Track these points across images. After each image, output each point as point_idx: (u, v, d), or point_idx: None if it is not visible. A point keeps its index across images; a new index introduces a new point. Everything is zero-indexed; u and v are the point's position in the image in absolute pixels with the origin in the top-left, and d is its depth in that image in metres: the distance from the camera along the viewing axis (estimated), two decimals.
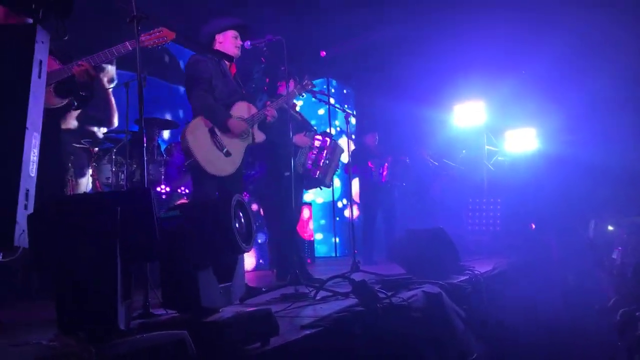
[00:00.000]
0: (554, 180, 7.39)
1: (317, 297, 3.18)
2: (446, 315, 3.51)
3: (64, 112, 2.85)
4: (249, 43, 3.74)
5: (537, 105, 7.79)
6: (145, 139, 2.89)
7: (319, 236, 8.30)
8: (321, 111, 8.36)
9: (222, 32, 3.75)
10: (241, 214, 2.09)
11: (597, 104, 7.57)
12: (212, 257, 2.02)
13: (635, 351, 3.62)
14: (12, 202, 1.56)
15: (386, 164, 6.61)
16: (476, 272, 4.48)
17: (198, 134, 3.50)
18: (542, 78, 7.64)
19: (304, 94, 4.31)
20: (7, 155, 1.59)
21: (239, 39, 3.75)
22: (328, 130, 4.78)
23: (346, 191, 8.37)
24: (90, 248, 1.57)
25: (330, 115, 7.12)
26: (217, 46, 3.66)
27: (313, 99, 5.71)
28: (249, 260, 5.83)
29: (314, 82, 4.53)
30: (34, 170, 1.64)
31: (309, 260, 6.62)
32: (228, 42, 3.74)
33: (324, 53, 8.49)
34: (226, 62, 3.70)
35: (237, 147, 3.62)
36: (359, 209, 7.61)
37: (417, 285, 3.53)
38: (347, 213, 8.36)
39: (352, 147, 7.96)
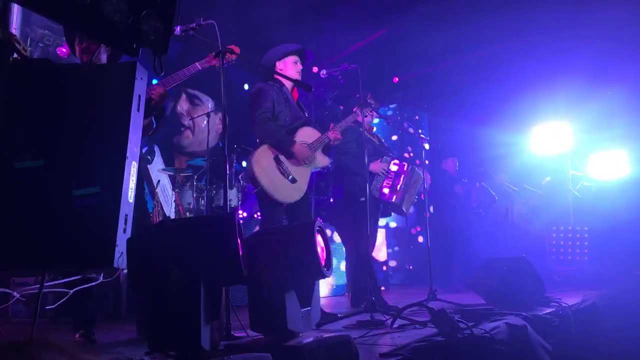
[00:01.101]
0: None
1: (395, 325, 3.13)
2: (532, 350, 3.33)
3: (144, 133, 3.02)
4: (324, 72, 3.81)
5: (629, 127, 7.31)
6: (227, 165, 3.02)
7: (392, 263, 8.18)
8: (394, 137, 8.34)
9: (282, 59, 3.77)
10: (321, 240, 2.12)
11: None
12: (296, 282, 2.06)
13: None
14: (113, 226, 1.67)
15: (474, 190, 6.50)
16: (563, 304, 4.23)
17: (263, 162, 3.57)
18: (634, 97, 7.20)
19: (371, 113, 4.30)
20: (109, 182, 1.72)
21: (299, 63, 3.77)
22: (405, 155, 4.77)
23: (419, 218, 8.22)
24: (179, 272, 1.66)
25: (403, 141, 7.08)
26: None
27: (386, 123, 5.73)
28: (324, 285, 5.84)
29: (389, 107, 4.56)
30: (132, 196, 1.76)
31: (382, 288, 6.53)
32: (288, 67, 3.77)
33: (397, 79, 8.52)
34: (288, 87, 3.74)
35: (302, 174, 3.64)
36: (437, 233, 7.44)
37: (500, 317, 3.38)
38: (420, 239, 8.19)
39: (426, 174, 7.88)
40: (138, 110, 1.81)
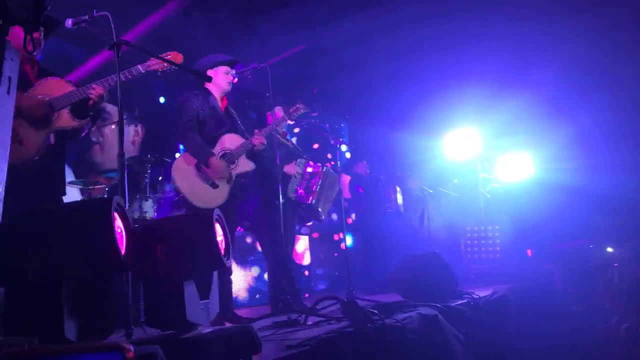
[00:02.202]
0: (551, 207, 7.34)
1: (309, 322, 3.10)
2: (444, 338, 3.41)
3: (77, 133, 2.86)
4: (234, 72, 3.79)
5: (533, 132, 7.81)
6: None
7: (319, 271, 8.17)
8: (316, 145, 8.40)
9: (213, 68, 3.79)
10: (220, 229, 2.06)
11: (592, 131, 7.61)
12: (195, 272, 1.98)
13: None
14: None
15: (395, 194, 6.65)
16: (475, 296, 4.39)
17: (184, 170, 3.59)
18: (536, 104, 7.70)
19: (293, 119, 4.34)
20: None
21: (230, 74, 3.81)
22: (327, 165, 4.80)
23: (341, 224, 8.30)
24: (38, 261, 1.53)
25: (324, 149, 7.14)
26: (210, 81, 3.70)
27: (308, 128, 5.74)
28: (243, 294, 5.72)
29: (311, 116, 4.59)
30: (1, 188, 1.61)
31: (306, 295, 6.50)
32: (220, 77, 3.79)
33: (316, 90, 8.64)
34: (216, 96, 3.75)
35: (224, 178, 3.62)
36: (359, 238, 7.53)
37: (413, 309, 3.44)
38: (343, 245, 8.27)
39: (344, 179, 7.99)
40: (8, 92, 1.68)
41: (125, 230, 1.63)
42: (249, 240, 5.88)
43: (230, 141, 3.73)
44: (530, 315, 5.34)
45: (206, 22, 6.34)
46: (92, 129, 7.01)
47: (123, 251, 1.57)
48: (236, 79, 3.87)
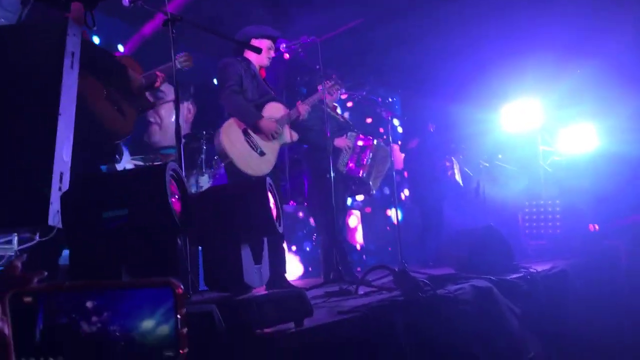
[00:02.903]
0: (616, 180, 6.98)
1: (360, 292, 3.13)
2: (498, 311, 3.36)
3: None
4: (284, 45, 3.79)
5: (597, 102, 7.41)
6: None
7: (371, 246, 8.19)
8: (369, 119, 8.35)
9: (258, 39, 3.76)
10: (272, 198, 2.10)
11: None
12: (249, 237, 2.04)
13: None
14: (47, 184, 1.63)
15: (451, 165, 6.55)
16: (532, 270, 4.28)
17: (232, 135, 3.56)
18: (602, 73, 7.29)
19: (338, 91, 4.31)
20: (41, 139, 1.68)
21: (272, 50, 3.77)
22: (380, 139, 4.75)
23: (393, 199, 8.27)
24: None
25: (377, 124, 7.06)
26: (250, 51, 3.68)
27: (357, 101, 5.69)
28: (297, 267, 5.82)
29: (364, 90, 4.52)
30: (67, 154, 1.72)
31: (359, 269, 6.55)
32: (262, 48, 3.73)
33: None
34: (255, 65, 3.73)
35: (271, 147, 3.65)
36: (413, 212, 7.45)
37: (465, 281, 3.40)
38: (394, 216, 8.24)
39: (397, 153, 7.90)
40: (72, 67, 1.77)
41: (181, 196, 1.69)
42: (301, 214, 5.96)
43: (275, 109, 3.71)
44: (591, 292, 5.15)
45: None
46: (150, 109, 7.31)
47: (178, 214, 1.64)
48: (287, 55, 3.87)
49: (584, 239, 6.64)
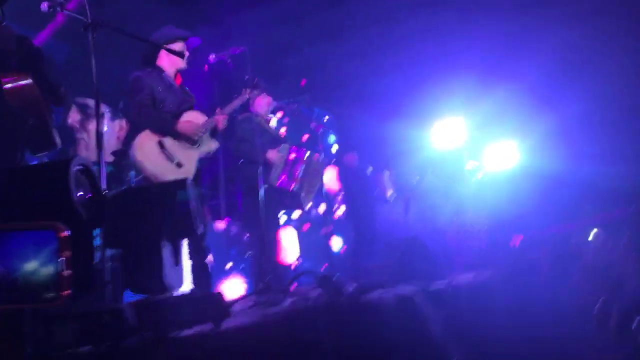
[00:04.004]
0: (536, 195, 7.41)
1: (287, 301, 3.16)
2: (420, 317, 3.47)
3: None
4: (213, 56, 3.82)
5: (518, 121, 7.88)
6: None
7: (307, 264, 8.21)
8: (305, 136, 8.45)
9: (169, 44, 3.68)
10: (193, 197, 2.12)
11: (575, 120, 7.68)
12: (170, 237, 2.03)
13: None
14: None
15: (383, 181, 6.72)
16: (455, 279, 4.45)
17: (146, 148, 3.52)
18: (522, 93, 7.77)
19: (264, 98, 4.37)
20: None
21: (186, 50, 3.73)
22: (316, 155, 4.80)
23: (328, 217, 8.36)
24: None
25: (315, 140, 7.18)
26: (165, 58, 3.64)
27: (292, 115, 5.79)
28: (232, 285, 5.74)
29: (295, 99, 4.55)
30: None
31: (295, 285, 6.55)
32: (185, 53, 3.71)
33: (304, 81, 8.68)
34: (169, 73, 3.68)
35: (188, 157, 3.60)
36: (349, 231, 7.57)
37: (390, 287, 3.50)
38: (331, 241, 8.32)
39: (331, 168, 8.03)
40: None
41: (93, 192, 1.67)
42: (234, 231, 5.93)
43: (193, 118, 3.67)
44: (513, 300, 5.39)
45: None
46: (77, 126, 7.12)
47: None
48: (214, 61, 3.85)
49: (507, 251, 6.97)
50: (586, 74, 7.47)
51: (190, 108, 3.69)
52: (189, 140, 3.56)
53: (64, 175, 1.49)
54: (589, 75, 7.48)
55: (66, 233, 0.75)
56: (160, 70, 3.65)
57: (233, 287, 5.70)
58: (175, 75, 3.73)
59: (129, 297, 2.89)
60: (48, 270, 0.76)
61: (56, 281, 0.76)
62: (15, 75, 2.17)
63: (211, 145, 3.71)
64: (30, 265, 0.76)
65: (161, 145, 3.51)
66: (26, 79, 2.16)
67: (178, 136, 3.50)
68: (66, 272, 0.76)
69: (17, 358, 1.16)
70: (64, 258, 0.76)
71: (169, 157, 3.50)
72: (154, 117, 3.52)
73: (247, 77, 3.86)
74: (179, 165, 3.52)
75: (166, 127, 3.50)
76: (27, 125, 2.13)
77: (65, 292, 0.77)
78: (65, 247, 0.76)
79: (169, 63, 3.65)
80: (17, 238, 0.75)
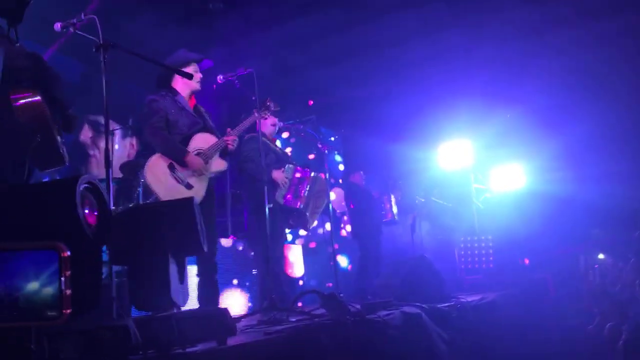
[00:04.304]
0: (542, 217, 7.40)
1: (292, 320, 3.14)
2: (427, 336, 3.45)
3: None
4: (221, 77, 3.87)
5: (524, 144, 7.92)
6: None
7: (313, 282, 8.20)
8: (311, 156, 8.50)
9: (183, 67, 3.72)
10: (200, 218, 2.14)
11: (580, 142, 7.71)
12: (176, 255, 2.05)
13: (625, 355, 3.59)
14: None
15: (389, 202, 6.72)
16: (462, 300, 4.43)
17: (157, 171, 3.55)
18: (527, 117, 7.82)
19: (273, 118, 4.41)
20: None
21: (199, 72, 3.80)
22: (322, 175, 4.81)
23: (335, 235, 8.36)
24: None
25: (320, 160, 7.20)
26: (179, 80, 3.69)
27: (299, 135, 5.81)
28: (238, 302, 5.73)
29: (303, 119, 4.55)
30: None
31: (299, 304, 6.52)
32: (193, 75, 3.74)
33: (312, 102, 8.77)
34: (184, 95, 3.76)
35: (198, 178, 3.63)
36: (354, 250, 7.55)
37: (396, 307, 3.49)
38: (338, 258, 8.30)
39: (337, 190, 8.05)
40: None
41: (99, 210, 1.70)
42: (240, 248, 5.92)
43: (203, 140, 3.71)
44: (520, 320, 5.36)
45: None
46: (89, 142, 7.20)
47: (93, 228, 1.64)
48: (222, 82, 3.91)
49: (515, 272, 6.94)
50: (592, 98, 7.52)
51: (203, 129, 3.75)
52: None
53: (70, 193, 1.51)
54: (595, 99, 7.53)
55: (67, 253, 0.77)
56: (175, 93, 3.74)
57: (238, 304, 5.70)
58: (190, 96, 3.81)
59: (135, 313, 2.90)
60: (49, 289, 0.78)
61: (57, 300, 0.78)
62: (25, 92, 2.22)
63: (221, 165, 3.75)
64: (32, 285, 0.78)
65: (172, 167, 3.59)
66: (35, 96, 2.21)
67: (185, 165, 3.56)
68: (67, 292, 0.78)
69: None
70: (64, 278, 0.78)
71: (179, 179, 3.58)
72: (166, 142, 3.61)
73: (254, 97, 3.90)
74: (189, 186, 3.58)
75: (176, 155, 3.58)
76: (35, 142, 2.16)
77: (67, 310, 0.79)
78: (66, 266, 0.78)
79: (183, 85, 3.74)
80: (18, 257, 0.77)
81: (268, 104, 4.12)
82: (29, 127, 2.13)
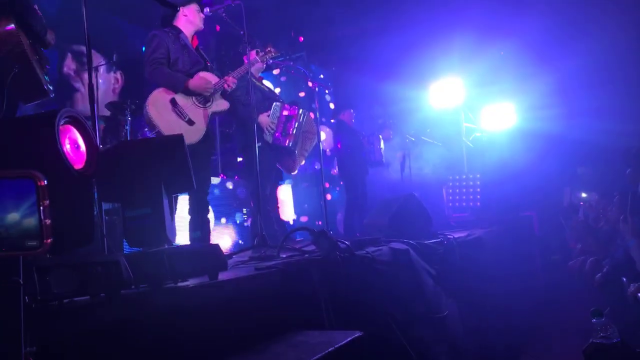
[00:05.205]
0: (532, 155, 7.44)
1: (283, 255, 3.19)
2: (414, 271, 3.53)
3: None
4: (207, 10, 3.75)
5: (516, 81, 7.84)
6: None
7: (304, 219, 8.30)
8: (302, 93, 8.39)
9: (186, 5, 3.74)
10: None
11: (572, 79, 7.65)
12: (169, 192, 2.03)
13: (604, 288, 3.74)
14: None
15: (378, 143, 6.70)
16: (449, 236, 4.50)
17: (159, 105, 3.53)
18: (520, 53, 7.70)
19: (268, 61, 4.32)
20: None
21: (201, 12, 3.77)
22: (311, 115, 4.75)
23: (325, 174, 8.39)
24: None
25: (310, 97, 7.08)
26: (182, 19, 3.68)
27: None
28: (227, 240, 5.81)
29: (292, 56, 4.46)
30: None
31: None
32: (193, 14, 3.74)
33: (302, 38, 8.54)
34: (186, 34, 3.70)
35: (199, 115, 3.62)
36: (344, 186, 7.61)
37: (385, 243, 3.55)
38: (329, 196, 8.36)
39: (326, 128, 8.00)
40: None
41: (87, 145, 1.66)
42: (230, 186, 5.93)
43: (207, 78, 3.69)
44: (504, 257, 5.50)
45: None
46: (72, 74, 6.98)
47: (83, 164, 1.61)
48: (218, 26, 3.81)
49: (501, 209, 7.05)
50: (585, 33, 7.37)
51: (204, 69, 3.70)
52: (201, 98, 3.58)
53: (50, 126, 1.46)
54: (588, 34, 7.39)
55: (44, 182, 0.74)
56: (178, 31, 3.67)
57: (228, 242, 5.78)
58: (192, 36, 3.75)
59: (125, 250, 2.92)
60: (31, 220, 0.77)
61: (39, 230, 0.77)
62: None
63: (223, 105, 3.72)
64: (12, 216, 0.77)
65: (174, 102, 3.55)
66: (8, 25, 2.10)
67: (190, 92, 3.52)
68: (47, 221, 0.76)
69: (14, 306, 1.17)
70: (43, 207, 0.76)
71: (181, 115, 3.54)
72: (167, 75, 3.56)
73: (242, 32, 3.79)
74: (191, 122, 3.55)
75: (178, 84, 3.54)
76: (12, 73, 2.07)
77: (47, 240, 0.78)
78: (44, 195, 0.76)
79: (187, 23, 3.70)
80: None
81: (269, 49, 4.07)
82: (5, 57, 2.05)
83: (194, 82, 3.56)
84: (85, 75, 6.59)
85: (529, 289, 5.27)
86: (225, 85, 3.73)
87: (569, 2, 7.39)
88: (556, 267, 5.66)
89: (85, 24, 2.60)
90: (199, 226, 3.54)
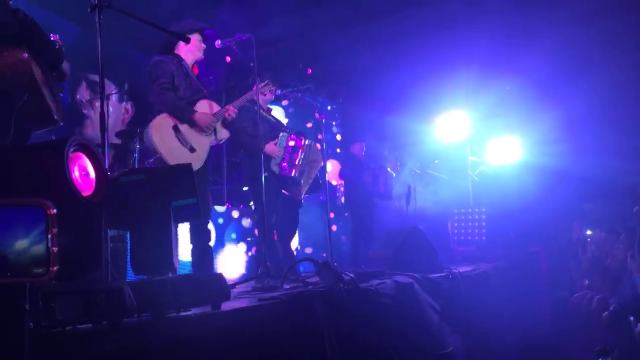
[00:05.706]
0: (538, 190, 7.42)
1: (286, 287, 3.18)
2: (418, 305, 3.50)
3: None
4: (219, 42, 3.82)
5: (521, 115, 7.88)
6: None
7: (308, 250, 8.26)
8: (309, 124, 8.47)
9: (190, 35, 3.70)
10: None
11: (578, 115, 7.69)
12: (177, 220, 2.05)
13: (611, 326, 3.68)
14: None
15: (382, 176, 6.73)
16: (454, 270, 4.47)
17: (162, 130, 3.52)
18: (525, 89, 7.76)
19: (272, 92, 4.39)
20: None
21: (202, 42, 3.80)
22: (317, 145, 4.79)
23: (331, 205, 8.39)
24: None
25: (317, 129, 7.15)
26: (183, 47, 3.68)
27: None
28: (231, 269, 5.78)
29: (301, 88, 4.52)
30: None
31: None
32: (194, 44, 3.76)
33: (310, 71, 8.68)
34: (187, 62, 3.74)
35: (201, 144, 3.63)
36: (349, 217, 7.59)
37: (389, 276, 3.53)
38: (334, 227, 8.34)
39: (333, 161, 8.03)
40: None
41: (97, 173, 1.68)
42: (235, 215, 5.94)
43: (206, 108, 3.71)
44: (511, 293, 5.44)
45: None
46: (84, 102, 7.10)
47: (92, 192, 1.63)
48: (228, 57, 3.88)
49: (507, 244, 7.00)
50: (591, 70, 7.45)
51: (204, 98, 3.74)
52: (203, 128, 3.62)
53: (59, 154, 1.48)
54: (594, 72, 7.47)
55: (53, 211, 0.76)
56: (180, 59, 3.72)
57: (232, 271, 5.75)
58: (193, 66, 3.80)
59: (129, 277, 2.92)
60: (39, 247, 0.78)
61: (46, 258, 0.79)
62: (9, 48, 2.15)
63: (223, 134, 3.75)
64: (21, 243, 0.78)
65: (176, 129, 3.56)
66: (21, 53, 2.15)
67: (192, 124, 3.55)
68: (54, 249, 0.78)
69: (19, 332, 1.18)
70: (51, 235, 0.78)
71: (183, 142, 3.56)
72: (173, 102, 3.57)
73: (252, 64, 3.85)
74: (192, 150, 3.56)
75: (183, 114, 3.56)
76: (22, 101, 2.10)
77: (54, 267, 0.80)
78: (52, 224, 0.78)
79: (187, 52, 3.74)
80: (5, 214, 0.77)
81: (267, 81, 4.12)
82: (15, 85, 2.09)
83: (199, 117, 3.58)
84: (97, 103, 6.73)
85: (536, 326, 5.19)
86: (226, 115, 3.76)
87: (573, 43, 7.49)
88: (563, 303, 5.58)
89: (100, 54, 2.65)
90: (200, 254, 3.53)
